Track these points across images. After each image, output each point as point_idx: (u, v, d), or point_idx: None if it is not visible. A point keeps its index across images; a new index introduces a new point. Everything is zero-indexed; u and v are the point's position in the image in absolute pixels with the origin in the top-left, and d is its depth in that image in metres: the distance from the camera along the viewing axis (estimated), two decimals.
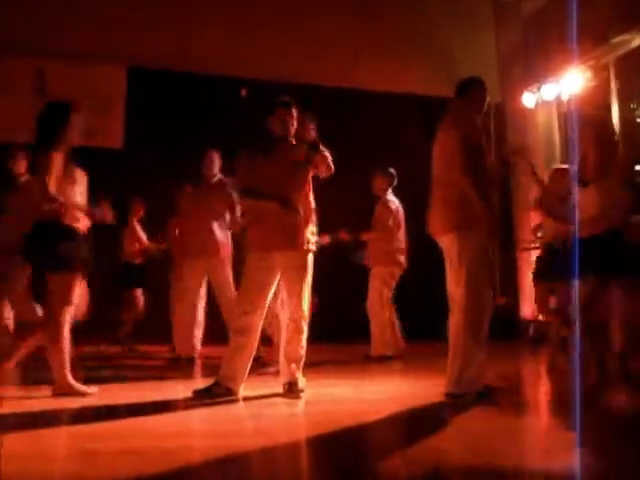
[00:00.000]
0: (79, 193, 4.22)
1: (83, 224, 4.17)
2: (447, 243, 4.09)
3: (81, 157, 7.67)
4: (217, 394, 4.09)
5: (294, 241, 4.21)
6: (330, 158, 4.31)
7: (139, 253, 7.24)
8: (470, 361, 3.91)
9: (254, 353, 4.27)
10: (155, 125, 7.62)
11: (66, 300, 4.11)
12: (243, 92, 8.21)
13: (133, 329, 7.31)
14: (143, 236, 7.27)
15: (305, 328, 4.28)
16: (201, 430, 3.48)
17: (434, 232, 4.17)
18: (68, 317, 4.16)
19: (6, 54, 7.79)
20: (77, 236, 4.13)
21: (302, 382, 4.28)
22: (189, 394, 4.12)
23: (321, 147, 4.29)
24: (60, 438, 3.14)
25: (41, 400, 4.01)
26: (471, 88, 4.22)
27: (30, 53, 7.75)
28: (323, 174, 4.32)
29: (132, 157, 7.70)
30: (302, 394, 4.20)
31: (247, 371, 4.23)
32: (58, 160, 4.05)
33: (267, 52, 8.18)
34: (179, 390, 4.32)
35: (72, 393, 4.09)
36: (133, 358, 6.69)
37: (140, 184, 7.25)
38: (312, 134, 4.81)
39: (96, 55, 7.87)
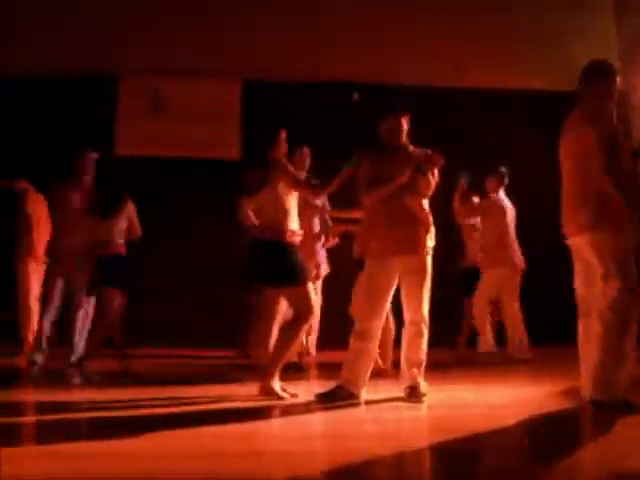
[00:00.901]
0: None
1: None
2: (581, 244, 3.91)
3: (202, 168, 8.11)
4: (339, 397, 4.13)
5: (414, 245, 4.20)
6: (434, 181, 4.27)
7: None
8: (617, 366, 3.71)
9: (375, 357, 4.29)
10: (270, 135, 7.78)
11: (307, 307, 4.26)
12: (355, 96, 8.22)
13: None
14: None
15: (426, 331, 4.25)
16: (325, 433, 3.52)
17: (568, 232, 4.01)
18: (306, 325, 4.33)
19: (124, 75, 8.25)
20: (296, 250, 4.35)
21: (424, 386, 4.25)
22: (311, 397, 4.18)
23: (430, 168, 4.24)
24: (189, 438, 3.24)
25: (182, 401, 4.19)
26: (601, 74, 3.94)
27: (146, 73, 8.13)
28: (423, 191, 4.28)
29: (249, 167, 7.89)
30: (424, 398, 4.17)
31: (368, 375, 4.25)
32: None
33: (377, 54, 8.18)
34: (300, 393, 4.38)
35: (272, 397, 4.21)
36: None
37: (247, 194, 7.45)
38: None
39: (210, 70, 8.15)
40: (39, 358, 5.80)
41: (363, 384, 4.22)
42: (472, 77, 8.46)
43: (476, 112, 8.53)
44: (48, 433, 3.37)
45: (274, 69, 8.09)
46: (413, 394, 4.17)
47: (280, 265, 4.26)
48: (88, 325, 5.91)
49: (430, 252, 4.27)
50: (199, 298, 7.78)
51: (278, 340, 4.34)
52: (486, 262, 6.59)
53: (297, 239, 4.38)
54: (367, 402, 4.16)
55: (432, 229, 4.30)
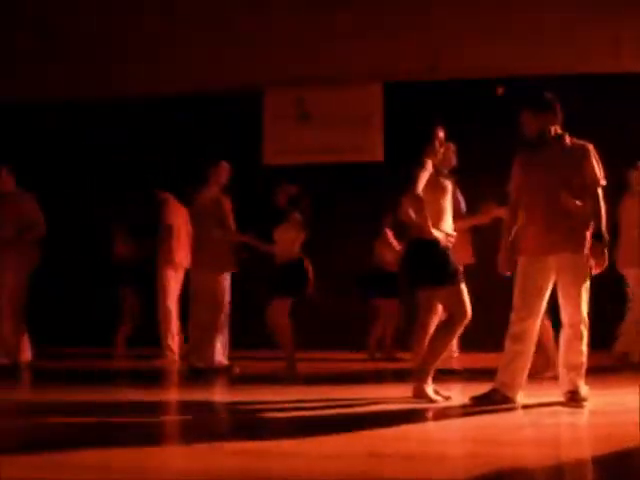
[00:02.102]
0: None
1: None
2: None
3: (349, 171, 8.23)
4: (495, 401, 4.04)
5: (572, 243, 4.02)
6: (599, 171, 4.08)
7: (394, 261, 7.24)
8: None
9: (531, 359, 4.16)
10: (412, 136, 7.75)
11: (463, 309, 4.25)
12: (499, 91, 8.03)
13: None
14: (396, 244, 7.21)
15: (585, 333, 4.05)
16: (478, 438, 3.44)
17: None
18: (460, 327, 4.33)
19: (269, 86, 8.52)
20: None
21: (585, 390, 4.06)
22: (465, 401, 4.13)
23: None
24: (346, 439, 3.28)
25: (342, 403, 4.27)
26: None
27: (291, 82, 8.36)
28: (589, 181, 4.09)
29: (393, 169, 7.91)
30: (586, 403, 4.00)
31: (524, 378, 4.13)
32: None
33: (521, 45, 7.90)
34: (455, 396, 4.33)
35: (425, 399, 4.22)
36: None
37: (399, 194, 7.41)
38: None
39: (351, 76, 8.26)
40: (192, 360, 6.11)
41: (519, 388, 4.10)
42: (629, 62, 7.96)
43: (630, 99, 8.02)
44: (224, 431, 3.58)
45: (414, 70, 8.05)
46: (573, 399, 4.00)
47: (436, 265, 4.21)
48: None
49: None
50: (345, 301, 7.85)
51: (431, 342, 4.32)
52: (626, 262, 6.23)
53: (452, 241, 4.32)
54: (524, 407, 4.03)
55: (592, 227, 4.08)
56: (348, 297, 7.68)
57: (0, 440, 3.30)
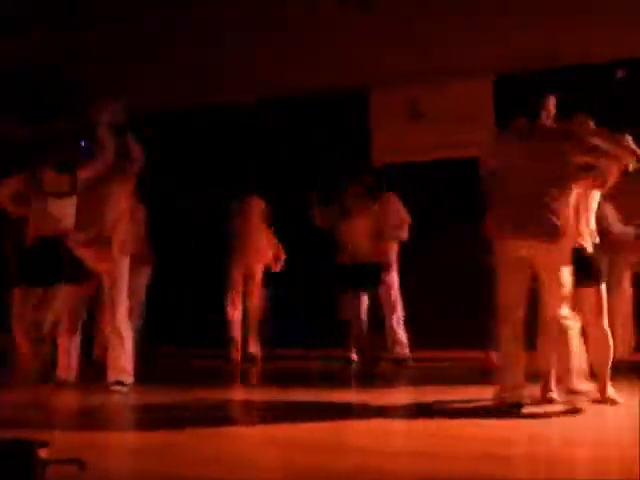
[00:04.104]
0: None
1: None
2: None
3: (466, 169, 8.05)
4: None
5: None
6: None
7: None
8: None
9: None
10: None
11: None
12: (620, 73, 7.54)
13: None
14: None
15: (572, 328, 3.96)
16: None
17: None
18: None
19: (375, 86, 8.47)
20: None
21: (586, 387, 3.96)
22: None
23: None
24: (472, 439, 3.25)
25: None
26: None
27: (402, 81, 8.26)
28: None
29: None
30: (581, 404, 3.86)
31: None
32: None
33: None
34: None
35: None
36: None
37: None
38: None
39: (461, 71, 8.05)
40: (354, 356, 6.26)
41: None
42: None
43: None
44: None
45: (524, 60, 7.73)
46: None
47: (591, 263, 4.18)
48: None
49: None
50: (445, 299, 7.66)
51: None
52: None
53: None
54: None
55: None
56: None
57: None
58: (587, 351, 4.10)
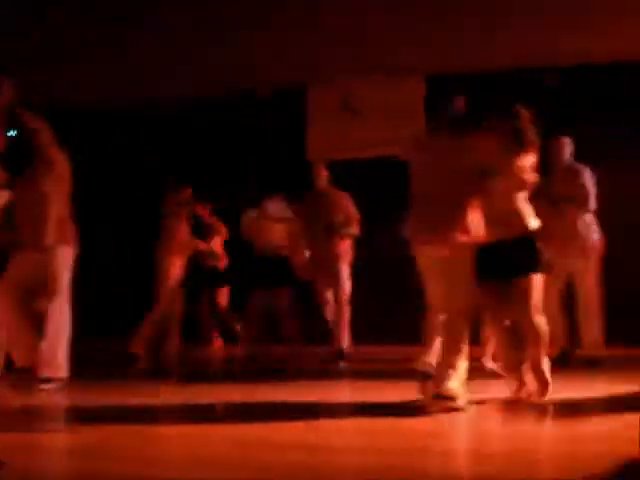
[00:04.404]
0: None
1: None
2: None
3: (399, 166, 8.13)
4: None
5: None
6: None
7: None
8: None
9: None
10: None
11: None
12: (549, 80, 7.79)
13: None
14: None
15: (455, 325, 3.97)
16: None
17: None
18: None
19: (316, 82, 8.52)
20: None
21: (454, 388, 3.94)
22: None
23: None
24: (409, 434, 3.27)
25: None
26: None
27: (338, 77, 8.31)
28: None
29: None
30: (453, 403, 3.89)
31: None
32: None
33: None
34: None
35: None
36: None
37: None
38: None
39: (397, 70, 8.15)
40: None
41: None
42: None
43: None
44: None
45: (456, 63, 7.88)
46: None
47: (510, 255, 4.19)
48: None
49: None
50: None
51: None
52: None
53: None
54: None
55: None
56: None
57: None
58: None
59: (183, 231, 6.80)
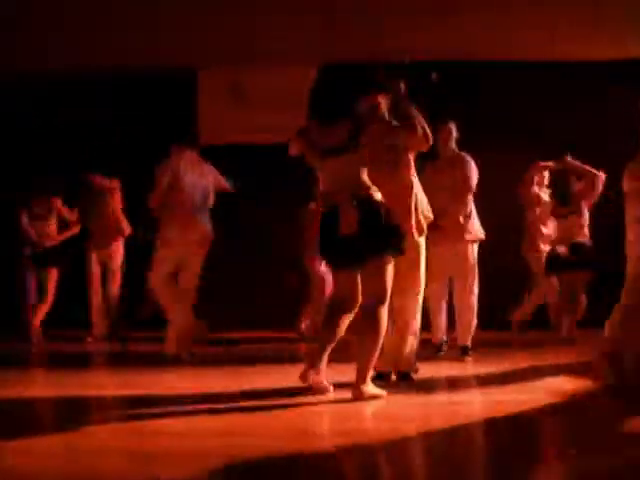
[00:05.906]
0: None
1: None
2: None
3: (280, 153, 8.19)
4: None
5: None
6: None
7: None
8: None
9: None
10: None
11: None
12: (434, 76, 8.00)
13: None
14: None
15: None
16: None
17: None
18: None
19: (203, 66, 8.40)
20: None
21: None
22: None
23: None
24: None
25: None
26: None
27: (225, 62, 8.25)
28: None
29: None
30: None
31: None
32: None
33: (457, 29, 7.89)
34: None
35: None
36: None
37: None
38: None
39: (287, 58, 8.17)
40: None
41: None
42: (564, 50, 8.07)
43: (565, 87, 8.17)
44: None
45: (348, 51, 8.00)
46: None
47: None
48: None
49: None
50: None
51: None
52: None
53: None
54: None
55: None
56: None
57: None
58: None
59: None
